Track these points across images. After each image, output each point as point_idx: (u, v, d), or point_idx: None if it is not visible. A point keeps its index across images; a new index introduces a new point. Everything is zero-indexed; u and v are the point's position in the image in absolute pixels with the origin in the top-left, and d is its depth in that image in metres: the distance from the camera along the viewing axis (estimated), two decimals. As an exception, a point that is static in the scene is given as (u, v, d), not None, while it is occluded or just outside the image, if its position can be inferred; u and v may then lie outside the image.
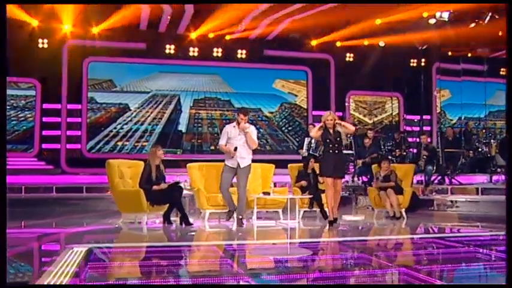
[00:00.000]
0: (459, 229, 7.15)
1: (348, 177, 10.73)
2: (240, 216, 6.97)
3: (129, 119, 13.82)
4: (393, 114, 15.41)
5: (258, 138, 16.85)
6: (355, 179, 10.56)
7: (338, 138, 6.69)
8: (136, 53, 13.36)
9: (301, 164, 8.48)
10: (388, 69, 14.49)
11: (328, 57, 15.03)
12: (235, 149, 7.00)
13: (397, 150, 11.71)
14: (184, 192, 8.33)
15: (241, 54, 14.29)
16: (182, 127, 14.26)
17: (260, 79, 14.66)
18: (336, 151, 6.64)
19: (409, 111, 15.19)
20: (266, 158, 11.61)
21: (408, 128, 14.27)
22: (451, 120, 16.01)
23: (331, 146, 6.69)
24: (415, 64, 15.26)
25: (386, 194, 7.82)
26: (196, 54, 13.92)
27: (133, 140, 13.75)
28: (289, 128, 15.12)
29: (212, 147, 14.36)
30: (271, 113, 15.08)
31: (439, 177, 10.67)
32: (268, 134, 14.96)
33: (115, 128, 13.68)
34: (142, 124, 13.89)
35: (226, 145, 7.13)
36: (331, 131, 6.75)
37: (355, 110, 15.68)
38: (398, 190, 7.90)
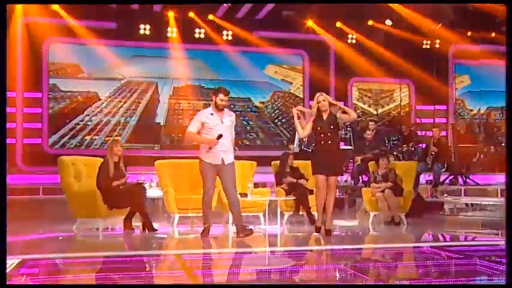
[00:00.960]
0: (470, 237, 7.02)
1: (345, 176, 10.52)
2: (243, 224, 6.18)
3: (99, 109, 13.65)
4: (403, 104, 15.21)
5: (247, 131, 16.60)
6: (354, 177, 10.31)
7: (332, 126, 6.11)
8: (106, 33, 13.09)
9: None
10: (396, 52, 14.38)
11: (328, 39, 14.86)
12: (220, 136, 6.14)
13: (404, 146, 11.54)
14: (158, 194, 8.18)
15: (227, 35, 14.10)
16: (160, 119, 14.15)
17: (249, 64, 14.52)
18: (330, 142, 6.08)
19: (421, 100, 15.05)
20: (254, 154, 11.46)
21: (419, 120, 14.02)
22: (471, 110, 15.77)
23: (323, 136, 6.13)
24: (428, 46, 15.05)
25: (384, 196, 7.59)
26: (175, 35, 13.69)
27: (104, 134, 13.59)
28: (283, 121, 14.96)
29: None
30: (262, 103, 14.97)
31: (451, 177, 10.50)
32: (258, 127, 14.87)
33: (82, 120, 13.51)
34: (114, 116, 13.75)
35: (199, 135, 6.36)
36: (324, 115, 6.20)
37: (358, 100, 15.58)
38: (398, 191, 7.71)
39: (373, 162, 8.36)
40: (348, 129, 11.70)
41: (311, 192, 7.83)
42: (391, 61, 14.47)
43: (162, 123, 14.11)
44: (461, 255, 5.40)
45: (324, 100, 6.24)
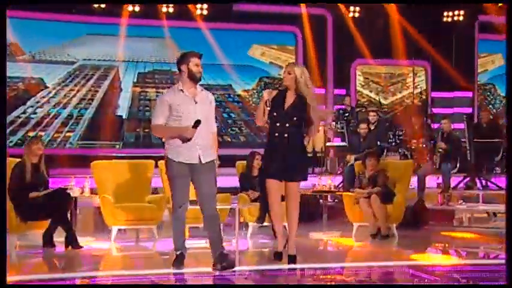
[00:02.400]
0: (472, 256, 6.89)
1: (335, 179, 10.21)
2: (222, 251, 5.33)
3: (46, 99, 13.44)
4: (417, 91, 14.95)
5: (228, 126, 16.45)
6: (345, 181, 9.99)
7: (295, 114, 5.42)
8: (54, 5, 12.77)
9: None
10: (410, 27, 14.04)
11: (325, 13, 14.65)
12: (197, 123, 5.19)
13: (413, 141, 11.38)
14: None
15: (202, 9, 13.88)
16: (122, 111, 13.99)
17: (230, 44, 14.34)
18: (286, 134, 5.38)
19: (438, 86, 14.73)
20: (237, 154, 11.17)
21: (437, 110, 13.54)
22: (504, 98, 15.48)
23: (278, 125, 5.38)
24: (449, 19, 14.72)
25: (370, 203, 7.44)
26: (137, 9, 13.44)
27: (53, 130, 13.40)
28: None
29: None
30: (246, 91, 14.83)
31: (467, 180, 10.23)
32: (242, 120, 14.81)
33: (24, 112, 13.28)
34: (64, 107, 13.56)
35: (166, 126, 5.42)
36: (288, 95, 5.42)
37: (363, 86, 15.40)
38: (387, 197, 7.57)
39: (359, 162, 8.23)
40: (342, 121, 11.40)
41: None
42: (404, 38, 14.23)
43: (124, 117, 13.97)
44: (447, 278, 5.31)
45: (289, 73, 5.48)
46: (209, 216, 5.33)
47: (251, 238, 7.53)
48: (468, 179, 10.23)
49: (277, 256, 5.68)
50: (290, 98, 5.47)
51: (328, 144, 11.89)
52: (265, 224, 7.50)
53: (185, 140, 5.24)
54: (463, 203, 9.91)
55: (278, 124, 5.45)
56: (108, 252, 6.82)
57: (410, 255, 6.47)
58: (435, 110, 14.18)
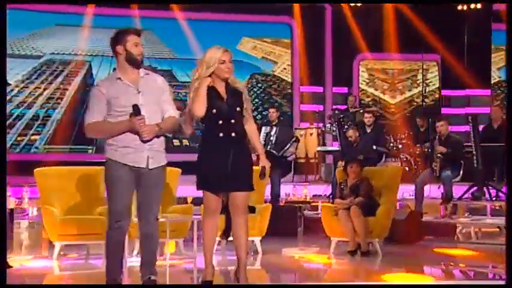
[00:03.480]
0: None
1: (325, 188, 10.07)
2: (151, 277, 5.00)
3: (8, 98, 13.36)
4: (430, 89, 14.96)
5: None
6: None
7: (238, 108, 5.16)
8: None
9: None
10: (420, 17, 14.04)
11: (324, 2, 14.72)
12: (136, 109, 4.75)
13: (417, 146, 11.35)
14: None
15: (185, -2, 13.97)
16: None
17: (218, 37, 13.97)
18: (234, 135, 5.16)
19: (451, 83, 14.70)
20: None
21: (448, 111, 13.51)
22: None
23: (221, 123, 5.09)
24: (464, 7, 14.68)
25: (349, 215, 7.41)
26: (115, -3, 13.64)
27: (15, 132, 13.46)
28: (264, 113, 14.58)
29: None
30: None
31: (474, 189, 10.08)
32: None
33: (-17, 113, 13.31)
34: (29, 107, 13.65)
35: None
36: (221, 86, 5.14)
37: (368, 84, 15.44)
38: (369, 209, 7.54)
39: (341, 169, 8.20)
40: (336, 123, 11.34)
41: (251, 209, 7.40)
42: (413, 30, 14.20)
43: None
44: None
45: (229, 61, 5.15)
46: (145, 234, 4.98)
47: (216, 255, 7.39)
48: (475, 188, 10.07)
49: (207, 285, 5.31)
50: (221, 88, 5.18)
51: (320, 149, 11.76)
52: (231, 238, 7.42)
53: (136, 132, 4.76)
54: (470, 216, 9.85)
55: (221, 122, 5.11)
56: (42, 272, 6.57)
57: (382, 275, 6.42)
58: (445, 111, 14.19)
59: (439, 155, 9.50)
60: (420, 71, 14.92)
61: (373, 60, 15.16)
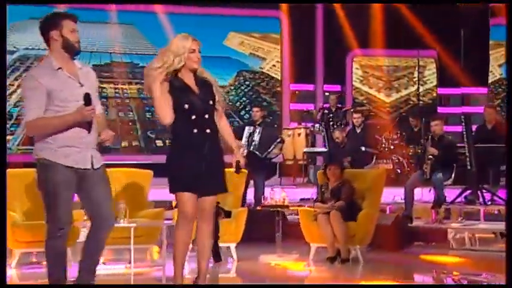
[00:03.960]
0: None
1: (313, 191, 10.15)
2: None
3: (-20, 97, 13.44)
4: (426, 87, 14.98)
5: None
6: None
7: (211, 101, 4.99)
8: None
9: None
10: (415, 13, 14.02)
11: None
12: (88, 99, 4.52)
13: (410, 147, 11.33)
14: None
15: (169, -9, 14.03)
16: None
17: (203, 32, 13.60)
18: (209, 131, 4.98)
19: (448, 81, 14.71)
20: None
21: (444, 110, 13.61)
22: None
23: (194, 118, 4.93)
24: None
25: (329, 220, 7.39)
26: (94, -10, 13.64)
27: (-13, 132, 13.33)
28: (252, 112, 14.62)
29: (125, 143, 14.07)
30: (223, 87, 14.59)
31: (468, 192, 10.08)
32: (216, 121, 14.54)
33: (-47, 112, 13.29)
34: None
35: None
36: (190, 78, 5.00)
37: (362, 82, 15.42)
38: (350, 213, 7.54)
39: (321, 172, 8.15)
40: (323, 123, 11.33)
41: (227, 214, 7.57)
42: (409, 25, 14.16)
43: (75, 117, 13.87)
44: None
45: (197, 49, 5.02)
46: (103, 233, 4.76)
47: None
48: (469, 191, 10.06)
49: None
50: (190, 80, 5.03)
51: (307, 150, 11.74)
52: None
53: (86, 126, 4.56)
54: (464, 220, 9.74)
55: (194, 117, 4.94)
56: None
57: (361, 284, 6.44)
58: (441, 110, 14.25)
59: (430, 156, 9.47)
60: (416, 68, 15.04)
61: (367, 56, 15.13)
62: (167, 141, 14.18)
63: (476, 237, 9.42)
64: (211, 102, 4.97)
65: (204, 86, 5.02)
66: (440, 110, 14.28)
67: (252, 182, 9.70)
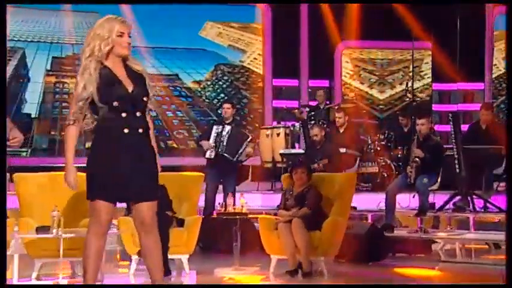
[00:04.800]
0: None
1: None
2: None
3: None
4: (424, 83, 15.02)
5: (174, 128, 16.28)
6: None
7: (145, 98, 4.90)
8: None
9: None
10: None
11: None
12: None
13: (399, 148, 11.43)
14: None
15: (139, -23, 14.05)
16: (31, 108, 14.00)
17: (177, 22, 14.45)
18: (141, 130, 4.89)
19: (444, 76, 14.69)
20: (185, 164, 11.12)
21: (440, 108, 13.74)
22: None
23: (125, 116, 4.83)
24: None
25: (290, 229, 7.37)
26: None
27: None
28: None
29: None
30: (198, 82, 14.97)
31: (458, 199, 10.02)
32: (192, 120, 14.94)
33: None
34: None
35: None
36: (120, 67, 4.91)
37: (353, 77, 15.52)
38: (315, 222, 7.50)
39: (287, 175, 8.20)
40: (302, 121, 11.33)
41: (179, 223, 7.63)
42: (403, 14, 14.20)
43: (34, 115, 14.00)
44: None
45: (130, 35, 4.87)
46: None
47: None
48: (459, 198, 9.97)
49: None
50: (120, 71, 4.91)
51: (283, 151, 11.70)
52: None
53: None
54: (454, 230, 9.74)
55: (125, 115, 4.84)
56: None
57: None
58: (437, 107, 14.46)
59: (416, 159, 9.41)
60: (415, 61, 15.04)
61: (357, 48, 15.28)
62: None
63: (469, 248, 9.44)
64: (145, 98, 4.86)
65: (136, 78, 4.89)
66: (435, 107, 14.31)
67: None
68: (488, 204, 10.02)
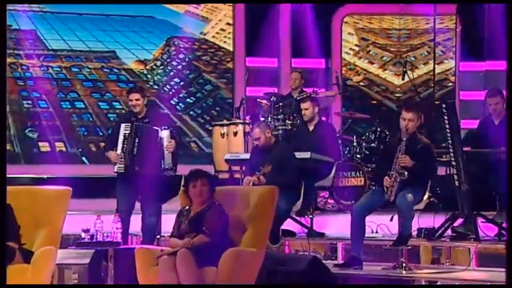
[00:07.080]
0: None
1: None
2: None
3: None
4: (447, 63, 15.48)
5: (110, 124, 16.60)
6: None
7: None
8: None
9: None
10: None
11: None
12: None
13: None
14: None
15: None
16: None
17: None
18: None
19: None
20: None
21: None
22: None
23: None
24: None
25: (174, 265, 7.49)
26: None
27: None
28: (192, 99, 15.28)
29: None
30: (143, 62, 15.28)
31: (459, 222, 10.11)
32: None
33: None
34: None
35: None
36: None
37: (358, 55, 15.76)
38: (213, 253, 7.61)
39: (182, 190, 8.29)
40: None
41: (25, 256, 7.67)
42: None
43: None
44: None
45: None
46: None
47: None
48: (462, 220, 10.06)
49: None
50: None
51: (228, 157, 11.64)
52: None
53: None
54: (450, 265, 9.76)
55: None
56: None
57: None
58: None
59: (402, 170, 9.45)
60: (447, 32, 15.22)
61: (365, 15, 15.63)
62: (58, 143, 14.35)
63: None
64: None
65: None
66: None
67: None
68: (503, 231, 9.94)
